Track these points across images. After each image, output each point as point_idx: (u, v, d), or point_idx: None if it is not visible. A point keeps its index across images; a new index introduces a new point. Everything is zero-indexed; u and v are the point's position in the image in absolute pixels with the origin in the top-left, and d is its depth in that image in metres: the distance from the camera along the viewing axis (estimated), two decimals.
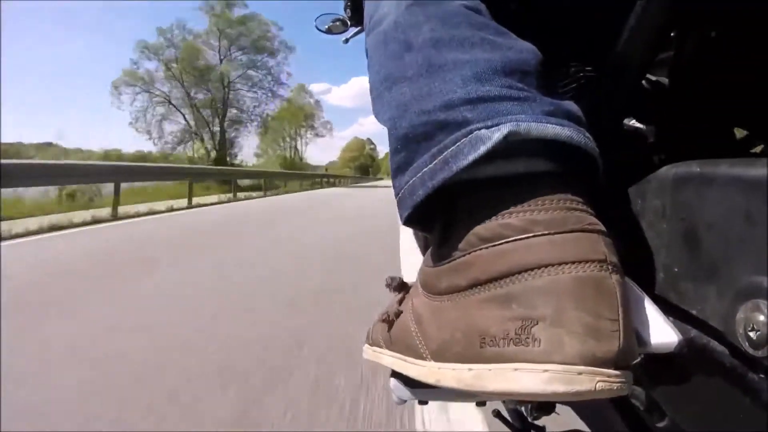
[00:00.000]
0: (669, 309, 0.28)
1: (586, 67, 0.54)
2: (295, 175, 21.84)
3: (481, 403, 0.48)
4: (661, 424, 0.39)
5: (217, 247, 3.85)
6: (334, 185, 25.05)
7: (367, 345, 0.40)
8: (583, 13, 0.49)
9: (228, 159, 28.11)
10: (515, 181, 0.27)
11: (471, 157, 0.26)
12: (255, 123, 31.62)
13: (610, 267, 0.24)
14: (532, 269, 0.24)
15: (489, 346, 0.24)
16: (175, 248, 3.79)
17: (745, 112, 0.37)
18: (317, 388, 1.29)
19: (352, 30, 0.99)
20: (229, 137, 29.11)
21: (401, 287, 0.38)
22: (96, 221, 5.51)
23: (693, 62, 0.36)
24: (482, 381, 0.24)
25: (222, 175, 13.01)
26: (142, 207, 7.24)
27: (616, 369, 0.22)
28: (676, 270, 0.27)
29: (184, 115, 27.19)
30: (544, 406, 0.48)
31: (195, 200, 8.81)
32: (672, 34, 0.37)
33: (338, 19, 0.99)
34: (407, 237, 3.48)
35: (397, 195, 0.31)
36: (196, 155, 27.18)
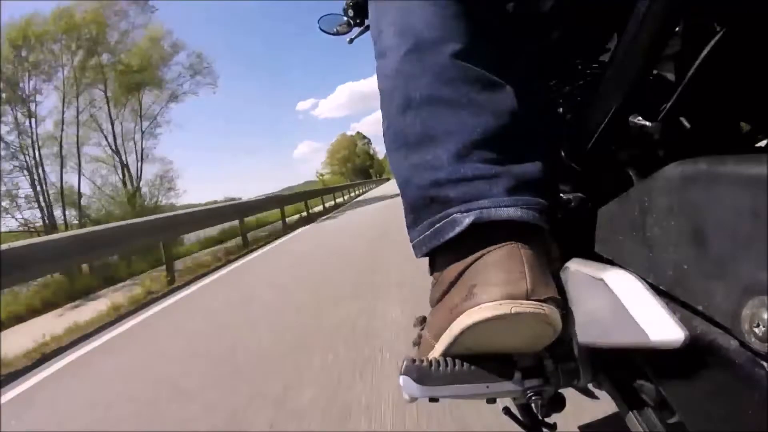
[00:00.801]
0: (676, 305, 0.28)
1: (591, 64, 0.54)
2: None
3: (491, 401, 0.48)
4: (671, 420, 0.39)
5: None
6: (331, 209, 12.70)
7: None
8: (588, 10, 0.48)
9: None
10: (480, 236, 0.40)
11: (449, 235, 0.41)
12: None
13: (519, 246, 0.39)
14: (474, 261, 0.40)
15: (454, 310, 0.40)
16: None
17: (751, 107, 0.37)
18: None
19: (356, 30, 0.98)
20: None
21: (423, 321, 0.51)
22: None
23: (698, 57, 0.36)
24: (453, 330, 0.39)
25: None
26: None
27: (527, 300, 0.36)
28: (683, 267, 0.27)
29: None
30: (554, 402, 0.48)
31: None
32: (677, 29, 0.37)
33: (343, 21, 0.98)
34: None
35: (411, 242, 0.46)
36: None
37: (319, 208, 13.27)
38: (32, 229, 13.36)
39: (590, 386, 0.53)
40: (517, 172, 0.41)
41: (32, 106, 14.45)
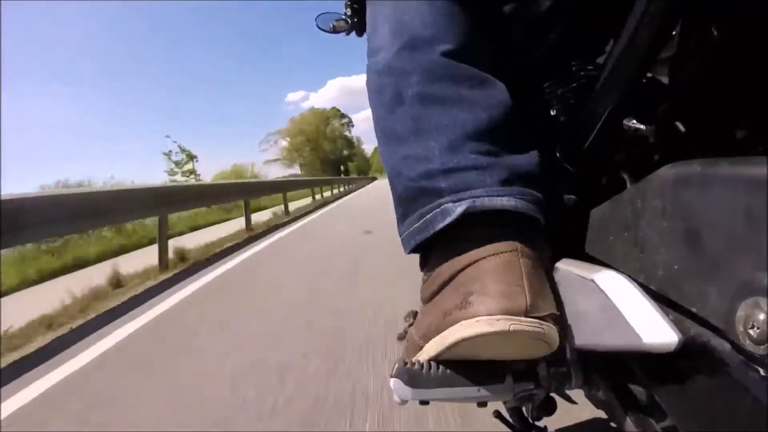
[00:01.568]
0: (669, 307, 0.28)
1: (587, 66, 0.54)
2: None
3: (482, 404, 0.47)
4: (663, 424, 0.38)
5: None
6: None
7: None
8: (585, 12, 0.49)
9: None
10: (472, 232, 0.38)
11: (440, 225, 0.38)
12: None
13: (519, 254, 0.36)
14: (469, 264, 0.37)
15: (447, 317, 0.37)
16: None
17: (745, 111, 0.37)
18: None
19: (354, 30, 0.98)
20: None
21: (414, 315, 0.49)
22: None
23: (693, 61, 0.36)
24: (445, 339, 0.36)
25: None
26: None
27: (526, 317, 0.33)
28: (676, 268, 0.27)
29: None
30: (545, 406, 0.47)
31: None
32: (673, 33, 0.37)
33: (341, 18, 0.99)
34: None
35: (400, 236, 0.44)
36: None
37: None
38: None
39: (577, 390, 0.53)
40: (511, 163, 0.40)
41: None
